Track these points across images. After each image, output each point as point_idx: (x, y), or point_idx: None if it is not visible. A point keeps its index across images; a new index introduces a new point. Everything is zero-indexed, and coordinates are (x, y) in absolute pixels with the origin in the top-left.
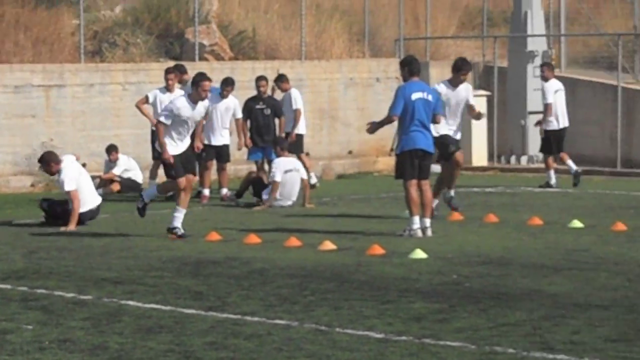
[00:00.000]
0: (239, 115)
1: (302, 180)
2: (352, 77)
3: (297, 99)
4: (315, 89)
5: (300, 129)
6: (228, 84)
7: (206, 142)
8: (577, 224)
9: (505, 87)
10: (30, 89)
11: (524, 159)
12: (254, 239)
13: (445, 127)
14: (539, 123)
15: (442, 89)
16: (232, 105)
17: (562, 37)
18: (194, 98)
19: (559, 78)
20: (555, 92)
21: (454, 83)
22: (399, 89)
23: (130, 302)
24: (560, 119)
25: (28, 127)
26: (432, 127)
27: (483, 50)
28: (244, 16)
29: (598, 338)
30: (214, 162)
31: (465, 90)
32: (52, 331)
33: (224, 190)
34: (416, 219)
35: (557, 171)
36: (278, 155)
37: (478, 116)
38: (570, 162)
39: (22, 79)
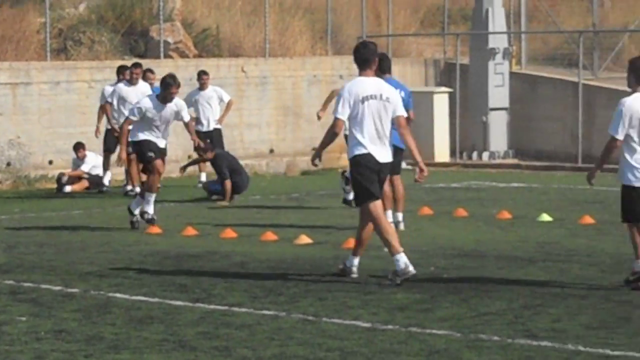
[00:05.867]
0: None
1: None
2: (315, 75)
3: None
4: (279, 86)
5: None
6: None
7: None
8: (545, 217)
9: (466, 83)
10: None
11: (485, 155)
12: (230, 233)
13: None
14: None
15: None
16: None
17: (522, 34)
18: (162, 99)
19: (520, 74)
20: None
21: None
22: None
23: (118, 295)
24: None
25: None
26: None
27: (444, 47)
28: (207, 14)
29: (579, 325)
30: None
31: None
32: (45, 322)
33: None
34: (389, 213)
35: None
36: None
37: None
38: None
39: None
